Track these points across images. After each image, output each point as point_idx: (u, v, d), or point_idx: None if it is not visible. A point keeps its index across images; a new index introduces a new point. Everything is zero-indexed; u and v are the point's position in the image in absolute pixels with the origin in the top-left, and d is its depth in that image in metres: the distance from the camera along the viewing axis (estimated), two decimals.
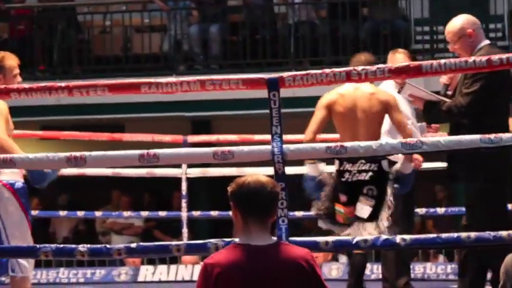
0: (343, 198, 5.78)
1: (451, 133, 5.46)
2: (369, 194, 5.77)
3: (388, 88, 6.29)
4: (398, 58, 6.52)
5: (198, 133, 10.06)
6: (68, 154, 4.69)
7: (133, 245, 4.68)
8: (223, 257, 3.46)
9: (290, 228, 4.58)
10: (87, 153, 4.67)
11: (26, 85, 4.88)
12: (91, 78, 9.68)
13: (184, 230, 8.60)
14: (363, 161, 5.72)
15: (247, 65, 11.22)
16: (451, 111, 5.39)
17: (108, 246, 4.74)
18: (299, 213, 8.80)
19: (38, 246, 4.73)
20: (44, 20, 12.18)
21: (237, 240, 3.54)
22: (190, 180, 8.85)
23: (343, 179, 5.77)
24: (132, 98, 10.50)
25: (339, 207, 5.72)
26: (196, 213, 8.93)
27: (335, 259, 9.46)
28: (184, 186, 8.70)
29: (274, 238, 3.63)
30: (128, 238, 11.07)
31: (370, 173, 5.77)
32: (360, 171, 5.75)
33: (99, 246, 4.82)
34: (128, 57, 12.01)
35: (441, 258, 9.36)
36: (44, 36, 11.98)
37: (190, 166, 8.79)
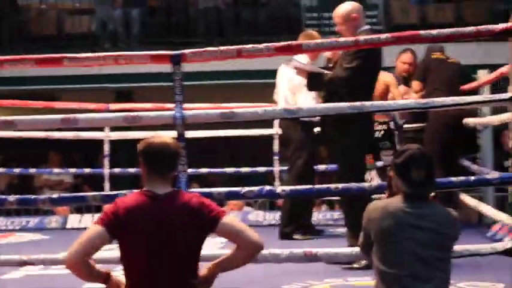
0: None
1: (326, 99, 5.52)
2: (384, 147, 6.46)
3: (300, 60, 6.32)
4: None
5: (121, 102, 10.02)
6: (1, 118, 4.66)
7: (55, 196, 4.66)
8: (130, 198, 3.50)
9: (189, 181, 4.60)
10: (16, 118, 4.64)
11: None
12: (29, 54, 9.53)
13: (106, 185, 8.54)
14: (376, 123, 6.31)
15: (164, 43, 11.15)
16: (332, 82, 5.43)
17: (33, 196, 4.71)
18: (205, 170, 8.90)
19: None
20: None
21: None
22: (113, 142, 8.80)
23: None
24: (67, 71, 10.40)
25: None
26: (117, 170, 8.88)
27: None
28: (106, 147, 8.64)
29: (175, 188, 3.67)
30: (59, 193, 10.94)
31: (382, 131, 6.51)
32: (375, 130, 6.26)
33: (26, 196, 4.77)
34: (61, 36, 11.88)
35: (323, 207, 9.46)
36: None
37: (113, 130, 8.75)
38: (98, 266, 3.44)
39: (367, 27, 5.66)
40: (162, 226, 3.40)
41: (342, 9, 5.62)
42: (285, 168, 8.82)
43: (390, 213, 3.40)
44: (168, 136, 3.64)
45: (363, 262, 5.36)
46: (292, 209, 6.93)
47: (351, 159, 5.44)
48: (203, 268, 3.50)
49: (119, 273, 3.52)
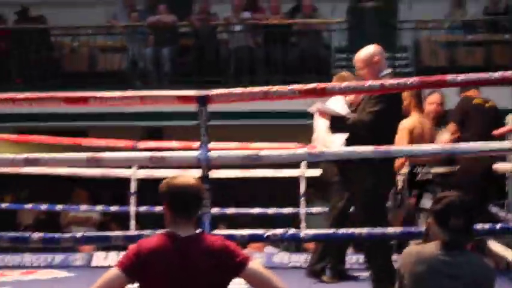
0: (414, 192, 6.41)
1: (349, 142, 5.46)
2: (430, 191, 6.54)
3: (337, 103, 6.33)
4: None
5: (150, 139, 10.04)
6: (24, 155, 4.67)
7: (79, 235, 4.66)
8: (153, 240, 3.49)
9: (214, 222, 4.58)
10: (40, 155, 4.66)
11: None
12: (61, 91, 9.63)
13: (132, 223, 8.51)
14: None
15: (194, 83, 11.19)
16: (356, 125, 5.41)
17: (57, 235, 4.71)
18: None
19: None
20: (21, 39, 12.06)
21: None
22: (140, 180, 8.80)
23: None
24: (96, 109, 10.45)
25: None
26: (142, 209, 8.86)
27: None
28: (133, 185, 8.64)
29: (198, 230, 3.65)
30: (86, 230, 10.94)
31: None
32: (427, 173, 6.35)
33: (51, 234, 4.76)
34: (93, 74, 11.97)
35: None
36: (20, 54, 11.89)
37: (140, 167, 8.75)
38: None
39: (389, 70, 5.64)
40: (184, 269, 3.38)
41: (363, 53, 5.58)
42: (311, 209, 8.81)
43: (425, 259, 3.35)
44: (191, 176, 3.62)
45: None
46: (325, 247, 6.86)
47: (370, 203, 5.37)
48: None
49: None
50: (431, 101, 7.89)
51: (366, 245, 5.61)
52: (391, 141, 5.29)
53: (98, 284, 3.36)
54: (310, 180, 8.38)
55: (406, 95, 7.40)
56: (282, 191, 9.39)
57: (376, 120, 5.34)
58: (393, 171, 5.63)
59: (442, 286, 3.31)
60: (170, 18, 11.88)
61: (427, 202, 7.10)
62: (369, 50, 5.58)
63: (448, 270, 3.33)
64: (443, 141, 7.31)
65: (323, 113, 5.49)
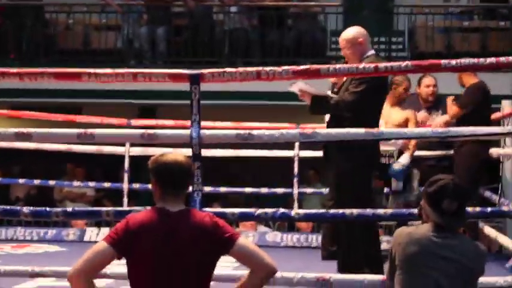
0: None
1: (330, 124, 5.42)
2: None
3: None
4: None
5: (144, 118, 10.03)
6: (16, 130, 4.66)
7: (69, 209, 4.66)
8: (142, 215, 3.47)
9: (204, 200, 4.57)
10: (32, 130, 4.64)
11: None
12: (54, 68, 9.57)
13: (125, 200, 8.51)
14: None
15: (188, 63, 11.15)
16: (338, 105, 5.36)
17: (48, 208, 4.69)
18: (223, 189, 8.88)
19: None
20: (15, 15, 12.00)
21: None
22: (134, 157, 8.80)
23: None
24: (90, 85, 10.41)
25: None
26: (136, 186, 8.86)
27: None
28: (126, 162, 8.63)
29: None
30: (80, 206, 10.97)
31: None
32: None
33: (41, 208, 4.75)
34: (87, 51, 11.93)
35: None
36: (15, 29, 11.84)
37: (133, 145, 8.74)
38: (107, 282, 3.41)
39: (372, 51, 5.60)
40: (172, 244, 3.36)
41: (347, 34, 5.58)
42: (305, 190, 8.82)
43: (416, 240, 3.36)
44: (180, 153, 3.60)
45: None
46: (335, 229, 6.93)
47: (352, 184, 5.32)
48: None
49: None
50: (427, 83, 7.89)
51: (344, 225, 5.53)
52: (374, 123, 5.22)
53: (86, 257, 3.35)
54: (311, 162, 8.38)
55: (400, 79, 7.41)
56: (280, 173, 9.38)
57: (359, 101, 5.31)
58: (374, 156, 5.51)
59: (434, 267, 3.32)
60: None
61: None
62: (353, 31, 5.59)
63: (440, 252, 3.34)
64: (439, 123, 7.30)
65: (304, 93, 5.40)
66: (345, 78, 5.47)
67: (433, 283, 3.31)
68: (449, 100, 7.41)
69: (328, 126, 5.38)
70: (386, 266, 3.56)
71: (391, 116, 7.06)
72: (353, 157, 5.26)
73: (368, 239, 5.40)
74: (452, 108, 7.30)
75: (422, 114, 7.73)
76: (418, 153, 7.45)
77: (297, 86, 5.33)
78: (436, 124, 7.34)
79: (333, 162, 5.46)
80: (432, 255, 3.33)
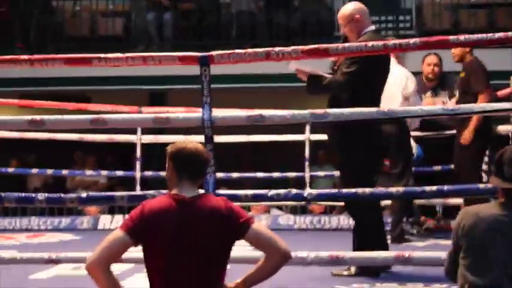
0: None
1: (329, 104, 5.41)
2: None
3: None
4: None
5: (155, 105, 10.05)
6: (29, 117, 4.69)
7: (84, 195, 4.67)
8: (157, 201, 3.49)
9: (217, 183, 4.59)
10: (45, 117, 4.67)
11: None
12: (62, 54, 9.59)
13: (137, 187, 8.53)
14: None
15: (196, 47, 11.14)
16: (330, 86, 5.35)
17: (62, 195, 4.72)
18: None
19: (2, 194, 4.65)
20: (22, 3, 12.03)
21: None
22: (145, 145, 8.83)
23: None
24: (99, 72, 10.43)
25: None
26: (148, 173, 8.89)
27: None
28: (138, 149, 8.66)
29: (202, 191, 3.66)
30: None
31: None
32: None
33: (55, 195, 4.78)
34: (94, 38, 11.94)
35: None
36: (22, 17, 11.86)
37: (144, 132, 8.76)
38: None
39: (371, 27, 5.56)
40: (188, 229, 3.38)
41: (344, 11, 5.56)
42: (316, 173, 8.81)
43: (483, 220, 3.34)
44: (197, 142, 3.63)
45: (353, 270, 5.35)
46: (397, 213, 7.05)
47: (356, 165, 5.32)
48: (230, 284, 3.47)
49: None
50: (429, 62, 7.87)
51: (352, 206, 5.56)
52: (371, 102, 5.09)
53: (103, 246, 3.37)
54: (320, 144, 8.41)
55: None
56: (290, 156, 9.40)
57: (351, 81, 5.27)
58: (373, 137, 5.45)
59: (503, 246, 3.29)
60: None
61: None
62: (349, 8, 5.55)
63: (508, 228, 3.32)
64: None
65: (301, 72, 5.39)
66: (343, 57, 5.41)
67: (501, 265, 3.28)
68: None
69: (326, 106, 5.34)
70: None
71: None
72: (352, 139, 5.26)
73: (377, 219, 5.43)
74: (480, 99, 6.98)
75: (426, 100, 7.71)
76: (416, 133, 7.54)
77: (294, 65, 5.31)
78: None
79: (334, 145, 5.47)
80: (499, 233, 3.31)
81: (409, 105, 6.81)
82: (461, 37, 4.46)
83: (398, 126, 6.75)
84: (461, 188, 4.70)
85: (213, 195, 3.77)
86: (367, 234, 5.33)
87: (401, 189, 5.10)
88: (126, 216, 3.50)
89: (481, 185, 4.65)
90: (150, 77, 11.06)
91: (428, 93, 7.86)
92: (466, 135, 6.94)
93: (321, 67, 5.60)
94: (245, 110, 7.93)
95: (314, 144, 8.42)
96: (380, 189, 4.67)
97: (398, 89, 6.91)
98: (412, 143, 7.32)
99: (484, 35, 4.50)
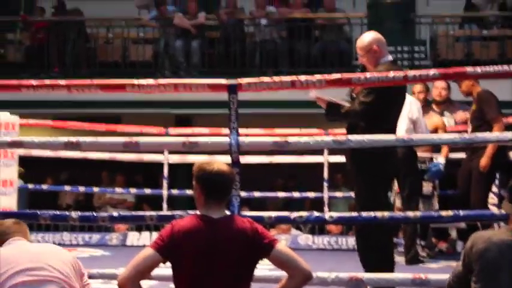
0: None
1: (347, 132, 5.28)
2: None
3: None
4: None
5: (180, 125, 10.05)
6: (65, 139, 4.69)
7: (115, 214, 4.66)
8: (186, 222, 3.47)
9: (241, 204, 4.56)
10: (81, 139, 4.67)
11: (34, 82, 4.88)
12: (95, 79, 9.63)
13: (164, 206, 8.53)
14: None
15: (221, 73, 11.16)
16: (348, 115, 5.23)
17: (95, 213, 4.71)
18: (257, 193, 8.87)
19: (38, 212, 4.65)
20: (58, 30, 12.11)
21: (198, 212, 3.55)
22: (172, 164, 8.82)
23: None
24: (129, 96, 10.44)
25: None
26: (175, 192, 8.88)
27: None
28: (165, 169, 8.66)
29: (228, 212, 3.64)
30: (122, 211, 10.96)
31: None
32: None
33: (88, 213, 4.77)
34: (125, 64, 11.99)
35: None
36: (58, 43, 11.94)
37: (171, 153, 8.76)
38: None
39: (389, 57, 5.42)
40: (215, 250, 3.37)
41: (362, 42, 5.42)
42: (334, 194, 8.76)
43: (495, 245, 3.27)
44: (222, 162, 3.60)
45: None
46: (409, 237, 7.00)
47: (367, 191, 5.17)
48: None
49: None
50: (436, 85, 7.83)
51: (361, 229, 5.42)
52: (387, 131, 4.93)
53: (134, 263, 3.36)
54: (337, 167, 8.36)
55: (420, 88, 7.39)
56: (306, 177, 9.37)
57: (368, 110, 5.14)
58: (386, 168, 5.24)
59: (509, 269, 3.23)
60: (200, 19, 11.86)
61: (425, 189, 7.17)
62: (367, 38, 5.41)
63: None
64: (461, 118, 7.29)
65: (320, 100, 5.29)
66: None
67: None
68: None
69: (347, 133, 5.24)
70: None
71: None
72: (365, 167, 5.12)
73: (387, 242, 5.33)
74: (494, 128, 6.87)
75: (433, 119, 7.60)
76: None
77: (314, 94, 5.24)
78: (461, 117, 7.33)
79: (350, 171, 5.35)
80: (509, 260, 3.24)
81: (417, 127, 6.85)
82: (479, 69, 4.42)
83: (407, 150, 6.71)
84: (477, 213, 4.66)
85: (238, 216, 3.75)
86: (378, 257, 5.23)
87: (418, 213, 5.04)
88: (154, 233, 3.49)
89: (496, 211, 4.58)
90: (177, 101, 11.04)
91: (431, 112, 7.74)
92: (484, 163, 6.87)
93: (339, 94, 5.56)
94: (267, 132, 7.97)
95: (332, 166, 8.39)
96: (398, 214, 4.61)
97: (404, 113, 6.87)
98: (441, 158, 7.23)
99: (499, 67, 4.45)
